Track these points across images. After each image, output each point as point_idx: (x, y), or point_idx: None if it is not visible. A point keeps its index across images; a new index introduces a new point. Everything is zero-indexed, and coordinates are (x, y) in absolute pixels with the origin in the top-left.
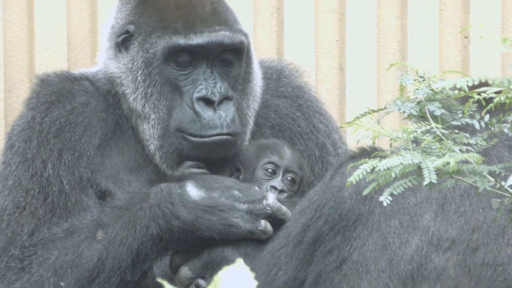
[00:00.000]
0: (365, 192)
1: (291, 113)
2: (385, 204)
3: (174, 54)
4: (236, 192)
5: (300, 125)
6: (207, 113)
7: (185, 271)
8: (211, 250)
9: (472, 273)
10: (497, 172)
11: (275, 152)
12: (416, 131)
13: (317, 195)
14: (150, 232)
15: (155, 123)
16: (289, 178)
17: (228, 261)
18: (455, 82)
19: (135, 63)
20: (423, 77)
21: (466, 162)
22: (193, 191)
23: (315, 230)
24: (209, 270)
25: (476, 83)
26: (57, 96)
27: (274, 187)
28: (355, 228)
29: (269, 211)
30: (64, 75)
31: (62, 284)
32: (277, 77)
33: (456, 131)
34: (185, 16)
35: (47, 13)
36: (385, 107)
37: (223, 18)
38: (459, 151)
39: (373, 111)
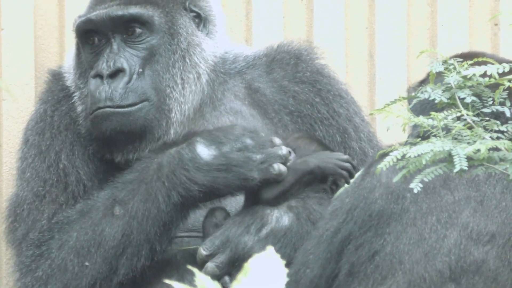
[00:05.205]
0: (395, 179)
1: (310, 98)
2: (415, 191)
3: (81, 34)
4: (248, 141)
5: (320, 111)
6: (96, 88)
7: (211, 268)
8: (237, 246)
9: None
10: None
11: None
12: (446, 118)
13: (349, 197)
14: (173, 201)
15: (78, 107)
16: None
17: None
18: (486, 69)
19: (73, 51)
20: (453, 64)
21: (497, 149)
22: (203, 151)
23: (345, 231)
24: (236, 268)
25: (506, 70)
26: (66, 92)
27: None
28: (388, 224)
29: (283, 160)
30: None
31: (86, 263)
32: (294, 62)
33: (487, 118)
34: None
35: (78, 0)
36: (415, 94)
37: None
38: (489, 138)
39: (403, 98)
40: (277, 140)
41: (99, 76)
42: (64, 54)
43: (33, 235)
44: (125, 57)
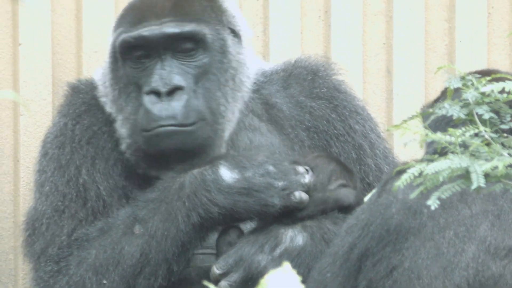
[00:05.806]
0: (412, 196)
1: (326, 114)
2: (433, 208)
3: (126, 50)
4: (271, 168)
5: (336, 127)
6: (154, 105)
7: (225, 286)
8: (251, 265)
9: None
10: None
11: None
12: (464, 135)
13: (364, 213)
14: (192, 222)
15: (122, 123)
16: None
17: None
18: (504, 85)
19: (107, 66)
20: (471, 80)
21: None
22: (226, 174)
23: (362, 247)
24: (249, 287)
25: None
26: (88, 106)
27: None
28: (406, 239)
29: (305, 188)
30: (94, 84)
31: (104, 282)
32: (311, 78)
33: (505, 134)
34: (143, 9)
35: (96, 16)
36: (433, 111)
37: (185, 9)
38: (507, 155)
39: (421, 114)
40: (300, 169)
41: (153, 93)
42: (82, 69)
43: (52, 250)
44: (180, 74)
